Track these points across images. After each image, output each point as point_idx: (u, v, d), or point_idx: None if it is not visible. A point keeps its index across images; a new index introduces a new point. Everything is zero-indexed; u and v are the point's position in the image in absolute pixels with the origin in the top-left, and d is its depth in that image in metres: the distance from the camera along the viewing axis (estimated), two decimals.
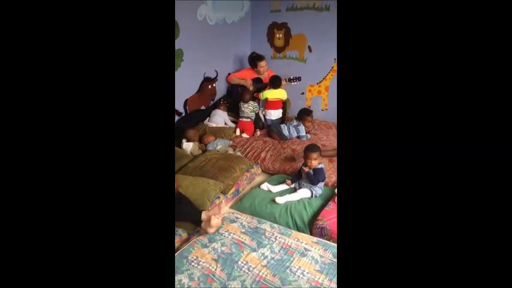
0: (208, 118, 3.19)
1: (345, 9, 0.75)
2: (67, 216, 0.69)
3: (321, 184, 2.11)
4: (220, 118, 3.16)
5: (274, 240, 1.67)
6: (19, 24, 0.66)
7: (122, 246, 0.71)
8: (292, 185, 2.20)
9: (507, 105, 0.65)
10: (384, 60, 0.71)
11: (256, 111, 3.13)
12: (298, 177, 2.19)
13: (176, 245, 1.76)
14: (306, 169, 2.06)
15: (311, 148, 2.10)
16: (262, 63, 3.23)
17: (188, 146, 2.77)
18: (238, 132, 3.03)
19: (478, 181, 0.66)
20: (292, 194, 2.07)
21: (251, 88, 3.21)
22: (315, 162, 2.05)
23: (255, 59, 3.26)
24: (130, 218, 0.72)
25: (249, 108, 3.10)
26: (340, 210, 0.79)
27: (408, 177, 0.70)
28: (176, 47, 2.80)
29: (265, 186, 2.23)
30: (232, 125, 3.17)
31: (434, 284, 0.66)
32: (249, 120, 3.10)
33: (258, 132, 3.07)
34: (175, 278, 1.42)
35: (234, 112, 3.24)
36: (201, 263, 1.52)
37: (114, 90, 0.73)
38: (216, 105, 3.24)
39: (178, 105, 3.03)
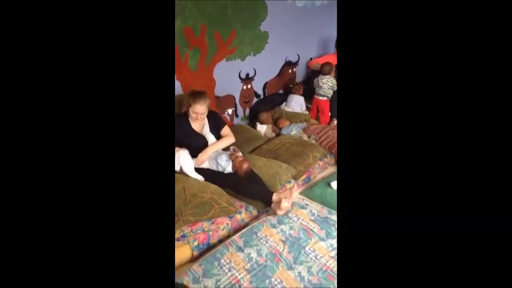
0: (285, 103, 3.19)
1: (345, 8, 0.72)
2: (67, 217, 0.67)
3: None
4: (296, 104, 3.12)
5: None
6: (13, 29, 0.64)
7: (119, 249, 0.69)
8: None
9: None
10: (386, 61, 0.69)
11: (335, 90, 2.93)
12: None
13: (246, 220, 1.84)
14: None
15: None
16: None
17: (262, 129, 2.83)
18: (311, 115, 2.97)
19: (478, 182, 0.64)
20: None
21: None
22: None
23: None
24: (128, 220, 0.70)
25: (327, 84, 2.91)
26: (340, 209, 0.75)
27: (407, 177, 0.68)
28: (262, 29, 2.83)
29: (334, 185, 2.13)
30: (307, 112, 3.11)
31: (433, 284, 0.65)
32: (325, 98, 2.96)
33: (335, 121, 2.96)
34: (245, 251, 1.50)
35: (309, 98, 3.16)
36: (269, 241, 1.56)
37: (112, 89, 0.70)
38: (291, 90, 3.18)
39: (258, 88, 3.09)
